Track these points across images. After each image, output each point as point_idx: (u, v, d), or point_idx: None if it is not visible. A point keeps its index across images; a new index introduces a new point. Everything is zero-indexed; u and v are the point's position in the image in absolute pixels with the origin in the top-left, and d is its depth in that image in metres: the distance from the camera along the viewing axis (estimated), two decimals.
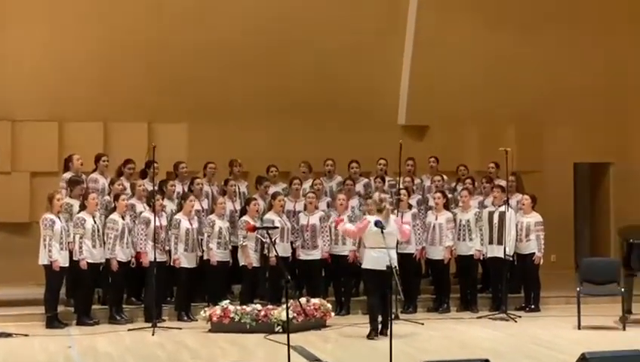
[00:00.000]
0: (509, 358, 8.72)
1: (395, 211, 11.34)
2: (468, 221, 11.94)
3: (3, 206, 13.36)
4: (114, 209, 11.14)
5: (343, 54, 14.30)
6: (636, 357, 7.02)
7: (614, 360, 6.94)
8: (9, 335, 10.20)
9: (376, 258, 9.81)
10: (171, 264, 11.26)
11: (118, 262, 10.99)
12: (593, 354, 6.95)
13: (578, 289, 10.90)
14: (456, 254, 11.98)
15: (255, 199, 11.76)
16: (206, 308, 10.81)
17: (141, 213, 11.35)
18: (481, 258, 12.00)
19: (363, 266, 10.27)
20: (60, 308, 11.05)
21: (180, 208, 11.54)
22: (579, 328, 10.60)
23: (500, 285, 11.81)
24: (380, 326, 10.02)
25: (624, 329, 10.62)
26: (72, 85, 13.43)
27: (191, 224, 11.34)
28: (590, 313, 11.09)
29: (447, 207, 12.01)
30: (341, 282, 11.96)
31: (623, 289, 10.88)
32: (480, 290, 12.43)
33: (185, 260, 11.24)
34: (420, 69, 14.58)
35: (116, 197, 11.19)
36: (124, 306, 11.34)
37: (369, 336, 10.02)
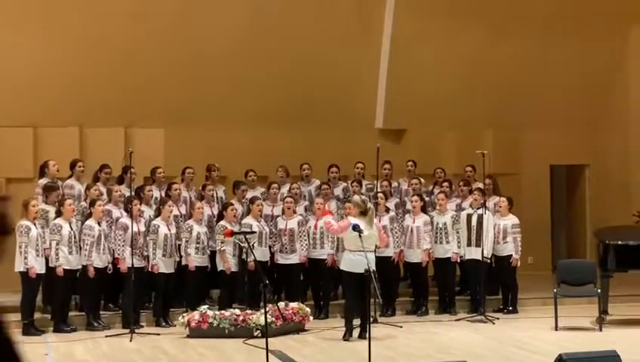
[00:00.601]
0: (487, 360, 8.75)
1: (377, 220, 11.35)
2: (445, 224, 11.98)
3: None
4: (90, 215, 11.08)
5: (320, 59, 14.31)
6: (612, 358, 7.08)
7: (591, 360, 7.00)
8: None
9: (355, 261, 9.81)
10: (149, 269, 11.22)
11: (95, 268, 10.93)
12: (570, 354, 7.01)
13: (555, 290, 10.97)
14: (434, 257, 12.02)
15: (232, 204, 11.74)
16: (184, 314, 10.78)
17: (118, 218, 11.29)
18: (459, 260, 12.05)
19: (341, 268, 10.28)
20: (37, 315, 10.96)
21: (158, 213, 11.49)
22: (556, 329, 10.66)
23: (478, 287, 11.85)
24: (357, 328, 10.01)
25: (600, 329, 10.69)
26: (47, 91, 13.35)
27: (169, 229, 11.30)
28: (567, 314, 11.16)
29: (424, 210, 12.05)
30: (319, 286, 11.96)
31: (599, 291, 10.97)
32: (458, 293, 12.48)
33: (163, 266, 11.20)
34: (396, 72, 14.62)
35: (92, 203, 11.13)
36: (101, 312, 11.28)
37: (344, 338, 10.03)
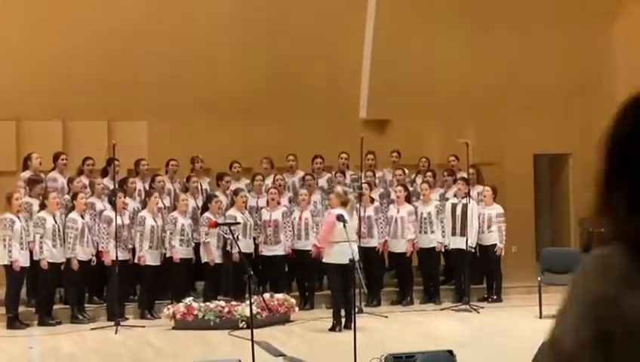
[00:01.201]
0: (472, 348, 8.79)
1: (358, 205, 11.37)
2: (429, 213, 12.01)
3: None
4: (73, 208, 11.04)
5: (304, 49, 14.28)
6: None
7: None
8: None
9: (339, 252, 9.82)
10: (135, 262, 11.19)
11: (79, 261, 10.90)
12: None
13: (539, 278, 11.03)
14: (418, 247, 12.04)
15: (217, 196, 11.72)
16: (169, 306, 10.77)
17: (101, 211, 11.26)
18: (443, 250, 12.08)
19: (325, 260, 10.28)
20: (21, 309, 10.92)
21: (143, 206, 11.47)
22: (540, 317, 10.72)
23: (462, 276, 11.90)
24: (343, 320, 10.05)
25: None
26: (30, 84, 13.25)
27: (155, 221, 11.28)
28: (551, 302, 11.15)
29: (408, 200, 12.07)
30: (304, 277, 11.97)
31: None
32: (443, 282, 12.52)
33: (149, 258, 11.18)
34: (380, 63, 14.62)
35: (74, 196, 11.09)
36: (86, 305, 11.25)
37: (332, 329, 10.05)
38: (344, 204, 10.04)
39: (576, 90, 15.66)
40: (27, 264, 10.63)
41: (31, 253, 10.71)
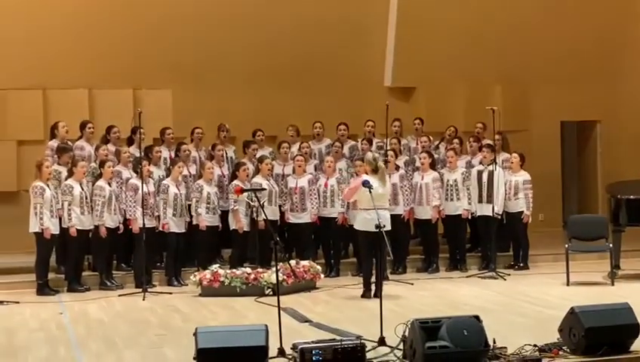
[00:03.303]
0: (498, 315, 8.78)
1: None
2: (455, 181, 11.96)
3: None
4: (100, 176, 11.11)
5: (330, 16, 14.21)
6: (625, 310, 7.10)
7: (603, 313, 7.02)
8: (0, 302, 10.20)
9: (370, 219, 9.81)
10: (161, 229, 11.26)
11: (107, 228, 10.98)
12: (582, 308, 7.04)
13: (566, 245, 10.96)
14: (444, 214, 12.01)
15: (244, 164, 11.74)
16: (196, 273, 10.83)
17: (128, 179, 11.32)
18: (469, 217, 12.04)
19: (355, 227, 10.25)
20: (51, 276, 11.05)
21: (168, 174, 11.53)
22: (567, 284, 10.68)
23: (488, 244, 11.86)
24: (373, 287, 10.05)
25: (612, 284, 10.72)
26: (55, 53, 13.31)
27: (178, 189, 11.33)
28: (579, 269, 11.18)
29: (433, 166, 12.02)
30: (330, 244, 11.99)
31: (611, 245, 10.97)
32: (469, 249, 12.50)
33: (174, 225, 11.24)
34: (405, 30, 14.50)
35: (102, 164, 11.16)
36: (114, 272, 11.36)
37: (363, 296, 10.08)
38: (374, 171, 9.99)
39: (605, 56, 15.48)
40: (57, 231, 10.73)
41: (60, 220, 10.80)
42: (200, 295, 10.54)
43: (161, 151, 11.96)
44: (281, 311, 7.27)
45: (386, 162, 11.46)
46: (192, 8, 13.70)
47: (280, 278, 9.59)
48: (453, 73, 14.88)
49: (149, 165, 11.34)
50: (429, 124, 13.46)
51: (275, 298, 7.36)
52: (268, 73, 14.04)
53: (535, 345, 6.95)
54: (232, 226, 11.46)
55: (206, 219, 11.39)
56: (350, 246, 12.13)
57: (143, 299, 10.33)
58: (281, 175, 12.06)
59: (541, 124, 15.51)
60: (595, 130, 16.08)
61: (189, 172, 11.89)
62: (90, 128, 12.06)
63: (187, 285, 11.00)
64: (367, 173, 10.02)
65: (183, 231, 11.35)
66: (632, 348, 6.97)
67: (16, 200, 13.08)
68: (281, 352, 6.87)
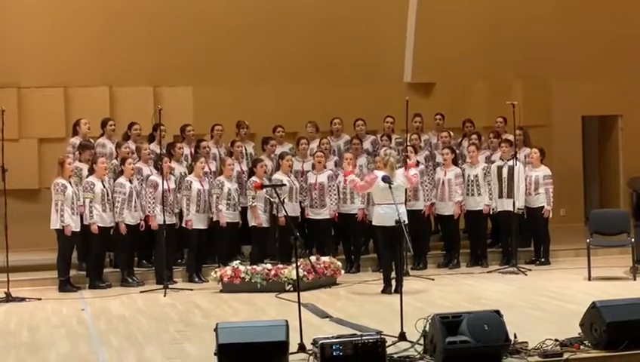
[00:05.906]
0: (519, 310, 8.75)
1: (402, 168, 11.32)
2: (476, 176, 11.93)
3: (12, 173, 13.28)
4: (121, 173, 11.17)
5: (349, 12, 14.20)
6: None
7: (625, 308, 6.97)
8: (23, 299, 10.28)
9: (385, 214, 9.82)
10: (182, 226, 11.31)
11: (127, 225, 11.04)
12: (604, 302, 6.99)
13: (588, 240, 10.90)
14: (465, 209, 11.98)
15: (262, 160, 11.76)
16: (217, 269, 10.87)
17: (148, 176, 11.38)
18: (490, 212, 12.01)
19: (373, 223, 10.28)
20: (73, 272, 11.14)
21: (190, 170, 11.57)
22: (589, 279, 10.63)
23: (509, 239, 11.82)
24: (394, 283, 10.04)
25: (634, 279, 10.64)
26: (76, 51, 13.39)
27: (202, 185, 11.37)
28: (600, 264, 11.11)
29: (455, 162, 11.99)
30: (350, 240, 11.99)
31: (632, 240, 10.89)
32: (490, 245, 12.47)
33: (197, 221, 11.29)
34: (425, 25, 14.46)
35: (123, 161, 11.21)
36: (135, 269, 11.42)
37: (383, 291, 10.08)
38: (385, 165, 10.00)
39: (626, 50, 15.37)
40: (78, 228, 10.80)
41: (81, 217, 10.87)
42: (221, 291, 10.57)
43: (183, 148, 12.01)
44: (302, 307, 7.28)
45: (406, 158, 11.46)
46: (212, 5, 13.72)
47: (300, 274, 9.60)
48: (473, 68, 14.82)
49: (170, 162, 11.38)
50: (450, 119, 13.42)
51: (296, 294, 7.37)
52: (287, 70, 14.05)
53: (556, 340, 6.93)
54: (251, 223, 11.49)
55: (227, 215, 11.43)
56: (370, 242, 12.13)
57: (164, 296, 10.38)
58: (300, 171, 12.07)
59: (562, 119, 15.42)
60: (616, 125, 15.97)
61: (209, 168, 11.93)
62: (111, 125, 12.13)
63: (208, 281, 11.04)
64: (379, 169, 10.04)
65: (206, 227, 11.39)
66: None
67: (39, 198, 13.19)
68: (302, 348, 6.88)
